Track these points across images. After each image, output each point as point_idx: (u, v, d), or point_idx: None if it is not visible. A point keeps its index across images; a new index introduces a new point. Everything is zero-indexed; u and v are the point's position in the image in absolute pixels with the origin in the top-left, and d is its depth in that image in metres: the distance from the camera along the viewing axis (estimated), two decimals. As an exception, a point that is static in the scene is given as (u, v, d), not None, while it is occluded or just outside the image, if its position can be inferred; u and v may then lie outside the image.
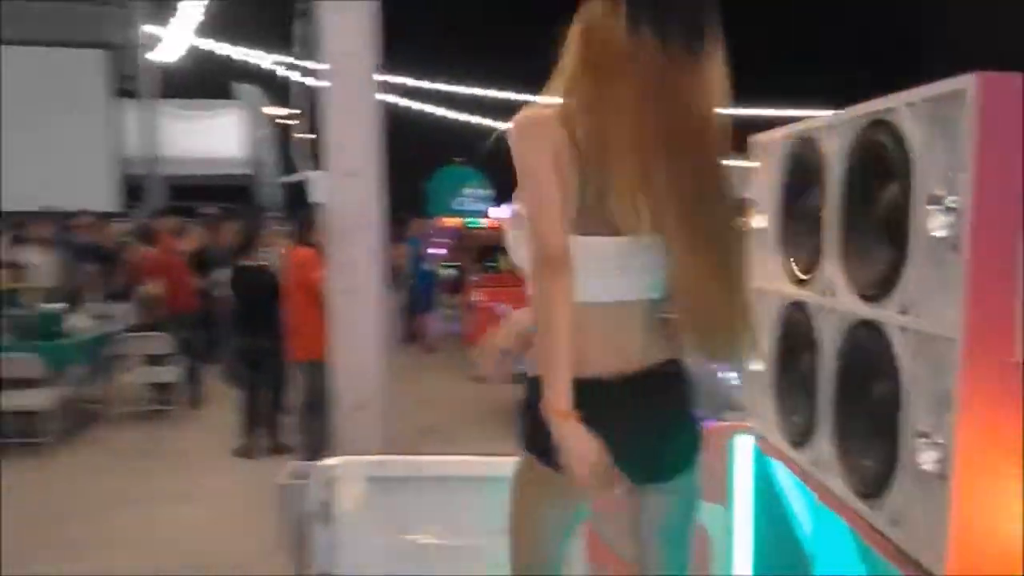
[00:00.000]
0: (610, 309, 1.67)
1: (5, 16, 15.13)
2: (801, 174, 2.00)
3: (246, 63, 14.61)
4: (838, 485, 1.75)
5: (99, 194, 14.28)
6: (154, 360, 7.21)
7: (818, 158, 1.88)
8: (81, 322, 7.06)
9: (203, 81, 15.22)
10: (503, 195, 22.21)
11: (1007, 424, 1.31)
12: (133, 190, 15.15)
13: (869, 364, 1.63)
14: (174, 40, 13.72)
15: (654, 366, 1.68)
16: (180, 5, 13.18)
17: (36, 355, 6.10)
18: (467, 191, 21.36)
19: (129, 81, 15.31)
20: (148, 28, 14.77)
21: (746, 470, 2.30)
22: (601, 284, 1.66)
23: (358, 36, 3.48)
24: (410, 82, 18.07)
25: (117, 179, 15.27)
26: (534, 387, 1.63)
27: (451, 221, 14.41)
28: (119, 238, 10.07)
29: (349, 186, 3.47)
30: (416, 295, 10.74)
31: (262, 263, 6.08)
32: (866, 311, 1.65)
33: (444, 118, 20.56)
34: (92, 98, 15.24)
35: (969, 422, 1.31)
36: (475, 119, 20.40)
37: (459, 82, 17.97)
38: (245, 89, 16.75)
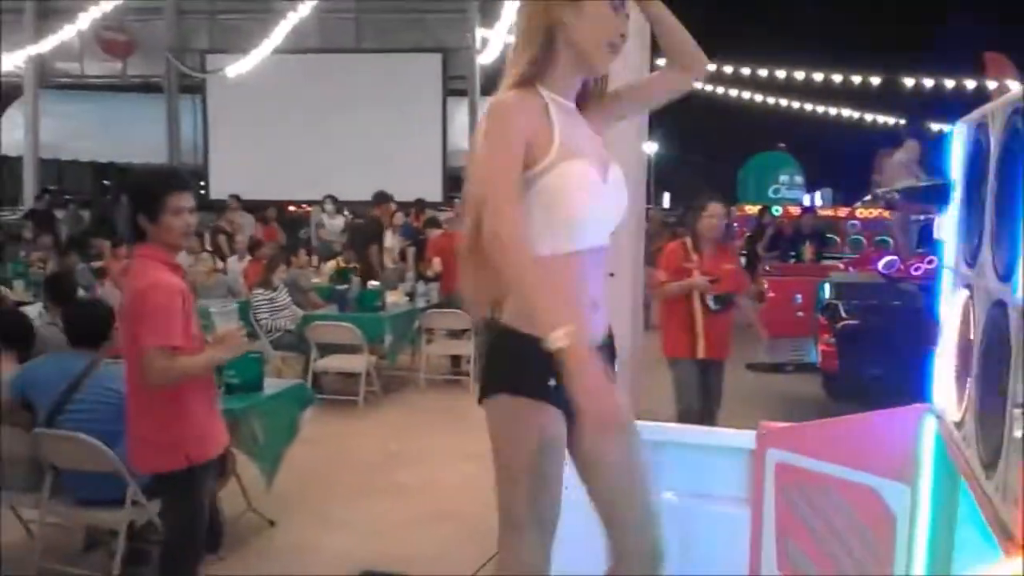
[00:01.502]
0: None
1: (366, 28, 17.28)
2: (975, 160, 1.93)
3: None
4: (974, 459, 1.72)
5: (429, 185, 15.80)
6: (453, 334, 8.01)
7: (986, 143, 1.82)
8: (396, 298, 8.02)
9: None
10: (818, 182, 21.22)
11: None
12: (459, 181, 16.56)
13: (997, 341, 1.60)
14: (497, 40, 14.73)
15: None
16: (505, 7, 14.10)
17: (355, 325, 7.05)
18: (782, 178, 20.65)
19: (459, 81, 16.72)
20: (480, 31, 16.01)
21: (928, 450, 2.23)
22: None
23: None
24: (727, 68, 17.87)
25: (443, 172, 16.74)
26: (496, 331, 1.99)
27: (752, 208, 14.10)
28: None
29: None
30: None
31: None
32: (999, 291, 1.61)
33: (761, 103, 20.04)
34: (429, 98, 16.82)
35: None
36: (793, 103, 19.69)
37: (773, 66, 17.42)
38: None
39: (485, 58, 15.23)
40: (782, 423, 2.66)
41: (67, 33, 15.44)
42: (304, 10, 14.41)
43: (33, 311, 5.97)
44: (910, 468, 2.26)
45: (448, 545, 4.30)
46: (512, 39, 2.14)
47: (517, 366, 1.98)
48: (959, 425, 1.92)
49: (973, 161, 1.98)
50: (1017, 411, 1.38)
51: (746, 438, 2.67)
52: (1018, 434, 1.37)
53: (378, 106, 16.22)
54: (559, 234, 1.96)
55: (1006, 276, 1.58)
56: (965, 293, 1.89)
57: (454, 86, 16.76)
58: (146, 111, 18.11)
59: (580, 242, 1.99)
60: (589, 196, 1.97)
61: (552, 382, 1.88)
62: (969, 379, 1.84)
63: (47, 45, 16.05)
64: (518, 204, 1.89)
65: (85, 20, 14.95)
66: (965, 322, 1.89)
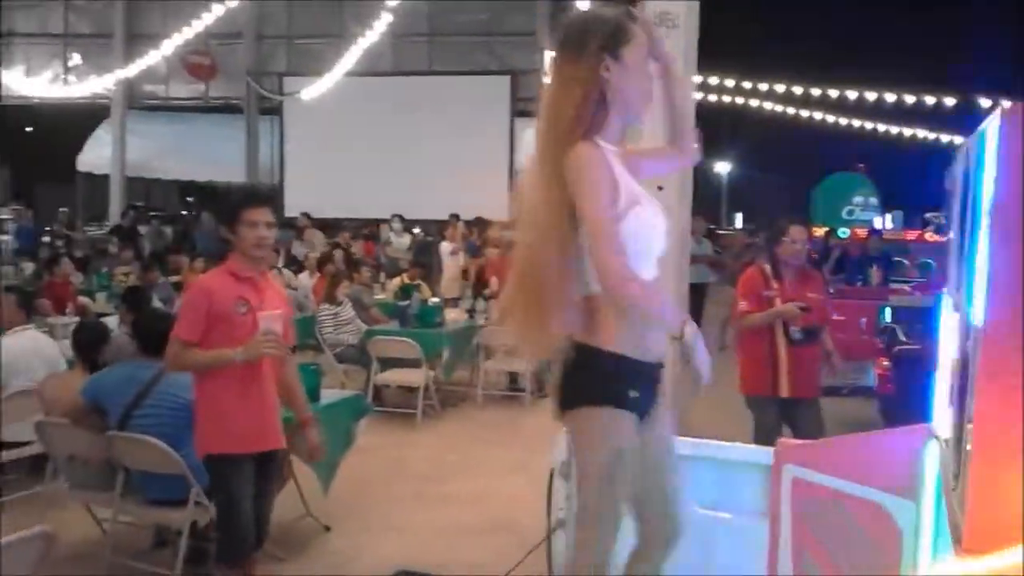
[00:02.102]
0: None
1: (437, 51, 17.72)
2: (963, 185, 2.03)
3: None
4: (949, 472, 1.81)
5: (496, 205, 16.05)
6: (511, 351, 8.16)
7: (963, 169, 1.92)
8: (455, 315, 8.24)
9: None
10: (893, 204, 20.84)
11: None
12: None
13: (967, 362, 1.70)
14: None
15: None
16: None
17: (414, 340, 7.27)
18: (856, 199, 20.34)
19: (527, 103, 16.98)
20: (548, 53, 16.24)
21: (931, 468, 2.30)
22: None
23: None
24: (796, 89, 17.72)
25: (510, 191, 16.96)
26: (584, 353, 2.21)
27: (818, 231, 13.95)
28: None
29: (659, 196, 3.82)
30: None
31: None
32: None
33: (833, 123, 19.78)
34: (498, 119, 17.12)
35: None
36: (867, 124, 19.38)
37: (847, 86, 17.21)
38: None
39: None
40: (800, 440, 2.75)
41: (153, 57, 16.22)
42: (377, 34, 14.84)
43: (113, 322, 6.35)
44: (915, 485, 2.33)
45: (496, 554, 4.44)
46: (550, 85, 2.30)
47: (604, 380, 2.24)
48: (948, 443, 2.01)
49: (962, 186, 2.07)
50: (969, 426, 1.48)
51: (765, 454, 2.77)
52: (969, 447, 1.47)
53: (448, 127, 16.59)
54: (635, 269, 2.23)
55: (969, 299, 1.68)
56: (957, 316, 1.98)
57: (522, 107, 17.03)
58: (227, 131, 18.84)
59: (647, 273, 2.25)
60: (654, 236, 2.27)
61: (633, 393, 2.21)
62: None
63: (135, 69, 16.88)
64: (621, 245, 2.14)
65: (170, 45, 15.70)
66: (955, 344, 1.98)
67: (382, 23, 14.64)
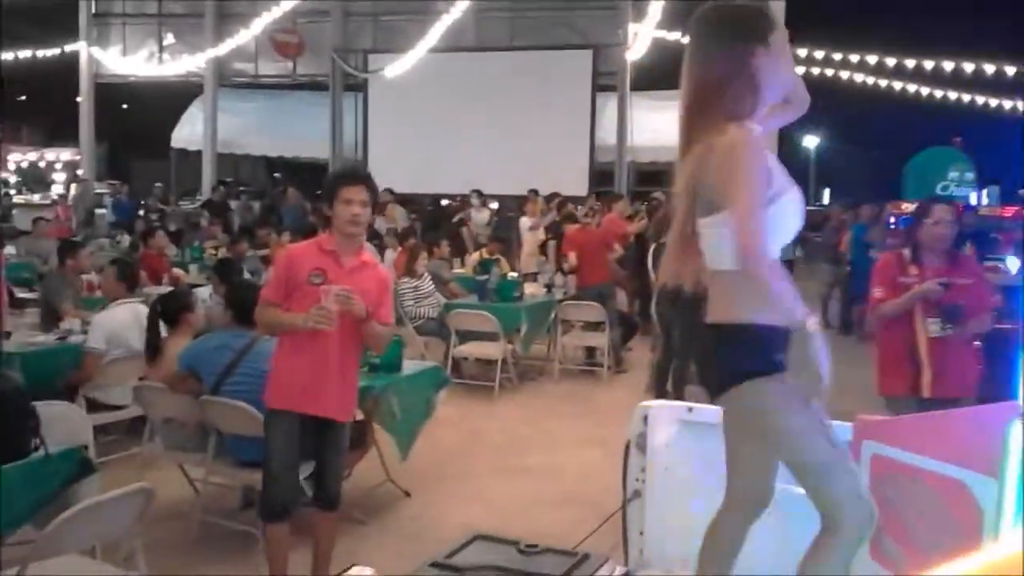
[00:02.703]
0: None
1: (519, 26, 17.72)
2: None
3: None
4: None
5: (577, 180, 16.01)
6: (588, 326, 8.20)
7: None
8: (533, 289, 8.29)
9: (667, 73, 16.12)
10: (989, 179, 19.99)
11: None
12: (606, 176, 16.72)
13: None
14: (644, 35, 14.72)
15: None
16: (652, 4, 14.08)
17: (492, 314, 7.35)
18: (951, 174, 19.60)
19: (609, 77, 16.84)
20: (631, 27, 16.05)
21: (1016, 446, 2.26)
22: None
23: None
24: (889, 60, 17.13)
25: (590, 167, 16.87)
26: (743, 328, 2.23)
27: (908, 206, 13.50)
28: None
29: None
30: (856, 283, 10.44)
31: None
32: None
33: (928, 96, 19.07)
34: (580, 94, 17.01)
35: None
36: (963, 96, 18.63)
37: (943, 57, 16.55)
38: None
39: (634, 54, 15.25)
40: (880, 416, 2.72)
41: (243, 36, 16.62)
42: (460, 10, 14.89)
43: (204, 293, 6.60)
44: (998, 463, 2.29)
45: (570, 524, 4.49)
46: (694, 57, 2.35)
47: (760, 351, 2.24)
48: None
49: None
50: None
51: (844, 430, 2.74)
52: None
53: (529, 102, 16.56)
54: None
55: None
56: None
57: (603, 82, 16.89)
58: (313, 108, 19.21)
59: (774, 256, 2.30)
60: (793, 223, 2.32)
61: (780, 356, 2.21)
62: None
63: (225, 48, 17.34)
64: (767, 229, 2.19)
65: (259, 24, 16.06)
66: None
67: (465, -1, 14.69)
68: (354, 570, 2.54)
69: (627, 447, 3.15)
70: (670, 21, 13.86)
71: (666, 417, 3.14)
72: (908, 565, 2.52)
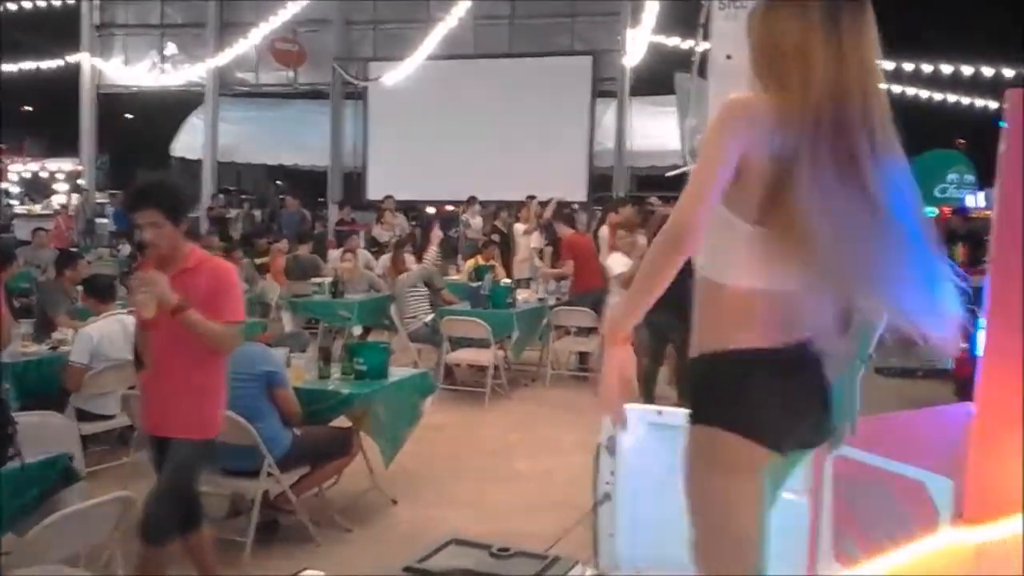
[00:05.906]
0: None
1: (518, 32, 17.76)
2: None
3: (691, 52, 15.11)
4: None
5: (575, 186, 16.05)
6: (581, 331, 8.23)
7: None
8: (526, 295, 8.32)
9: (663, 77, 16.13)
10: (987, 181, 19.95)
11: None
12: (604, 181, 16.75)
13: None
14: (640, 40, 14.73)
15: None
16: (647, 8, 14.09)
17: (484, 320, 7.39)
18: (950, 177, 19.56)
19: (608, 83, 16.87)
20: (629, 32, 16.08)
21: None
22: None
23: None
24: (887, 64, 17.13)
25: (589, 172, 16.91)
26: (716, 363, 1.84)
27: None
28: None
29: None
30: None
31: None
32: None
33: (927, 99, 19.07)
34: (579, 100, 17.05)
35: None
36: (963, 99, 18.63)
37: (942, 60, 16.56)
38: (680, 77, 17.41)
39: (631, 60, 15.30)
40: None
41: (244, 45, 16.74)
42: (457, 17, 14.94)
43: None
44: (955, 463, 2.33)
45: (553, 529, 4.51)
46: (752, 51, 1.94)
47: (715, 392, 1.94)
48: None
49: None
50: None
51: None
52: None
53: (528, 108, 16.61)
54: None
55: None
56: None
57: (603, 88, 16.94)
58: (313, 117, 19.27)
59: None
60: None
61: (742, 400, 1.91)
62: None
63: (226, 57, 17.44)
64: None
65: (260, 33, 16.15)
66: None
67: (464, 6, 14.73)
68: (306, 573, 2.57)
69: (597, 450, 3.19)
70: (666, 26, 13.90)
71: (635, 420, 3.17)
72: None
